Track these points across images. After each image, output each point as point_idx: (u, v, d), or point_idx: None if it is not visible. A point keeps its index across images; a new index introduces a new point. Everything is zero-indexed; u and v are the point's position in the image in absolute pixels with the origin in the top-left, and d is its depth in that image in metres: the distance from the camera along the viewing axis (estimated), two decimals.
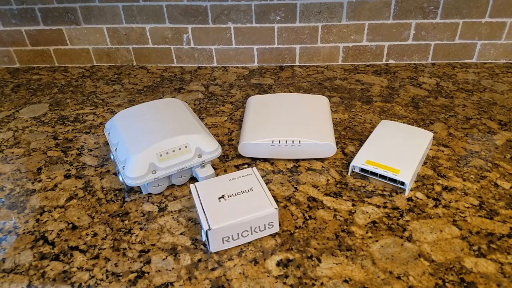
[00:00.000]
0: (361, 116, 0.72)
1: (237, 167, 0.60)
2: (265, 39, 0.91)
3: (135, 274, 0.43)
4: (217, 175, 0.58)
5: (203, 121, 0.73)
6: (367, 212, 0.50)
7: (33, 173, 0.60)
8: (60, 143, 0.68)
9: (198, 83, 0.88)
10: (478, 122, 0.69)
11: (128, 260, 0.45)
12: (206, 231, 0.44)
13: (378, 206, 0.51)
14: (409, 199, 0.52)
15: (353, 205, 0.52)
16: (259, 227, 0.46)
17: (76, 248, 0.47)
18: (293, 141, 0.58)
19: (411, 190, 0.54)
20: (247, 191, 0.48)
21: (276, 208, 0.45)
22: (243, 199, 0.47)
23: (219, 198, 0.47)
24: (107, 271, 0.44)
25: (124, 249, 0.47)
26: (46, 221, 0.51)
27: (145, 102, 0.65)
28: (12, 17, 0.93)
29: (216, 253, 0.45)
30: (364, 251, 0.45)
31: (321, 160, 0.60)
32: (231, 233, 0.45)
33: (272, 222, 0.46)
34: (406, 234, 0.47)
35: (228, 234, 0.44)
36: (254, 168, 0.52)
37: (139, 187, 0.55)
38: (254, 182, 0.49)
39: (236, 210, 0.45)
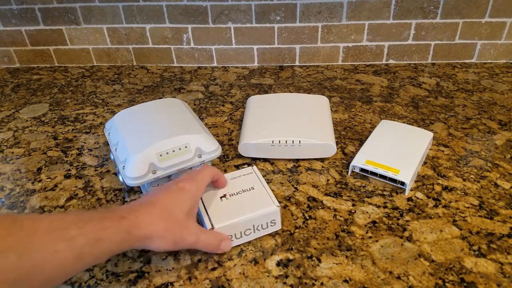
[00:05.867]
0: (361, 116, 0.72)
1: (237, 167, 0.60)
2: (265, 39, 0.91)
3: (135, 274, 0.43)
4: None
5: (203, 121, 0.72)
6: (367, 212, 0.50)
7: (33, 173, 0.60)
8: (60, 143, 0.68)
9: (198, 83, 0.88)
10: (478, 122, 0.69)
11: (128, 260, 0.45)
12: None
13: (378, 206, 0.51)
14: (409, 199, 0.52)
15: (353, 205, 0.52)
16: (261, 225, 0.46)
17: None
18: (293, 141, 0.58)
19: (411, 190, 0.54)
20: (248, 189, 0.48)
21: (278, 206, 0.46)
22: (244, 198, 0.47)
23: (221, 198, 0.47)
24: (107, 271, 0.44)
25: None
26: None
27: (145, 102, 0.65)
28: (12, 17, 0.93)
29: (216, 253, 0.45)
30: (364, 251, 0.45)
31: (321, 160, 0.60)
32: (234, 231, 0.45)
33: (274, 220, 0.46)
34: (406, 234, 0.47)
35: (231, 233, 0.45)
36: (254, 167, 0.52)
37: (139, 187, 0.55)
38: (255, 181, 0.50)
39: (238, 208, 0.46)
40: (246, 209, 0.45)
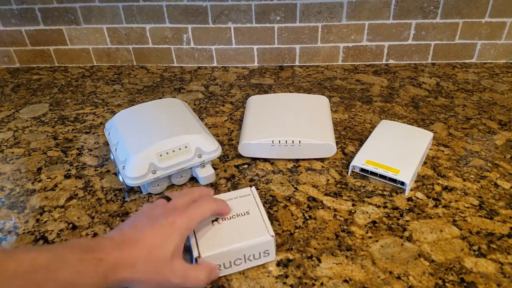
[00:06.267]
0: (361, 116, 0.72)
1: (237, 167, 0.60)
2: (265, 39, 0.91)
3: None
4: (217, 175, 0.58)
5: (203, 121, 0.73)
6: (367, 212, 0.50)
7: (33, 173, 0.60)
8: (60, 143, 0.68)
9: (198, 83, 0.88)
10: (478, 122, 0.69)
11: None
12: (196, 258, 0.40)
13: (378, 206, 0.51)
14: (409, 199, 0.52)
15: (353, 205, 0.52)
16: (253, 255, 0.42)
17: None
18: (293, 141, 0.58)
19: (411, 190, 0.54)
20: (243, 214, 0.44)
21: (272, 236, 0.42)
22: (238, 223, 0.43)
23: (212, 221, 0.44)
24: None
25: None
26: (46, 221, 0.51)
27: (145, 102, 0.65)
28: (12, 17, 0.93)
29: None
30: (364, 251, 0.45)
31: (321, 160, 0.60)
32: (222, 261, 0.41)
33: (268, 250, 0.43)
34: (406, 234, 0.47)
35: (220, 262, 0.41)
36: (253, 188, 0.48)
37: (139, 187, 0.55)
38: (251, 204, 0.46)
39: (230, 235, 0.42)
40: (237, 236, 0.42)
